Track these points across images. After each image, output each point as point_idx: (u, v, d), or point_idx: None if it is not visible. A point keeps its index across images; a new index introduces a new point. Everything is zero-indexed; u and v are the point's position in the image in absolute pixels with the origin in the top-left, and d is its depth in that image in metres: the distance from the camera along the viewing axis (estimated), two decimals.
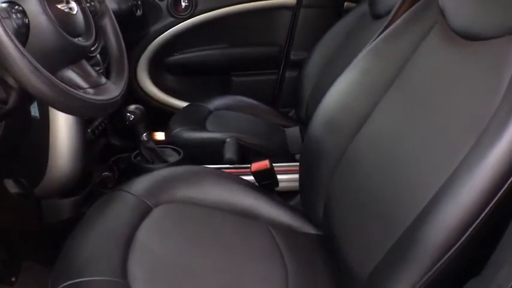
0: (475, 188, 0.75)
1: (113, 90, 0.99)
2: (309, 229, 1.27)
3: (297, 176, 1.35)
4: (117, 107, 0.98)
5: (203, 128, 1.75)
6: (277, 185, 1.34)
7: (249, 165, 1.34)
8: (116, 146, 1.72)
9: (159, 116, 1.85)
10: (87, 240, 1.08)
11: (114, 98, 0.97)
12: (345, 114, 1.20)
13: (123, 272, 1.00)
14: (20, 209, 1.46)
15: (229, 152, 1.49)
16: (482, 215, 0.74)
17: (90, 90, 0.95)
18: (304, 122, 1.79)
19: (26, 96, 0.97)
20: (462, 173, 0.78)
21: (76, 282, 0.96)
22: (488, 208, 0.74)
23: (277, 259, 1.13)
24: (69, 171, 1.40)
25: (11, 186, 1.38)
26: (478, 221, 0.74)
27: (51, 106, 0.90)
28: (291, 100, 2.07)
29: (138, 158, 1.53)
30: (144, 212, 1.17)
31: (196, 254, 1.09)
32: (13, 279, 1.47)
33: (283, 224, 1.26)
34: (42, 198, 1.43)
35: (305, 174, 1.30)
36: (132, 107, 1.49)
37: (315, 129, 1.28)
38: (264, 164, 1.29)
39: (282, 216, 1.27)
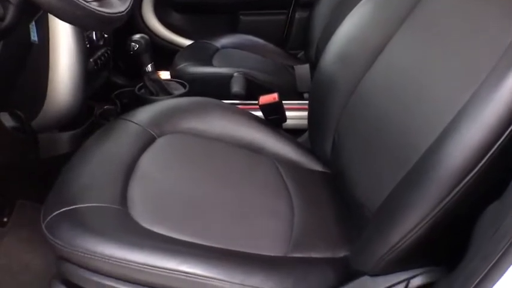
0: (497, 107, 0.71)
1: (119, 5, 0.94)
2: (316, 166, 1.23)
3: (305, 113, 1.31)
4: (122, 23, 0.93)
5: (209, 64, 1.69)
6: (285, 121, 1.30)
7: (256, 102, 1.29)
8: (118, 84, 1.66)
9: (163, 54, 1.78)
10: (85, 167, 1.05)
11: (120, 12, 0.92)
12: (358, 48, 1.16)
13: (123, 199, 0.96)
14: (16, 144, 1.41)
15: (236, 86, 1.44)
16: (505, 134, 0.70)
17: (95, 3, 0.89)
18: (313, 64, 1.73)
19: (26, 11, 0.91)
20: (482, 95, 0.74)
21: (71, 209, 0.92)
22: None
23: (283, 194, 1.09)
24: (69, 102, 1.35)
25: (7, 120, 1.33)
26: (500, 141, 0.70)
27: (54, 15, 0.85)
28: (300, 41, 2.00)
29: (142, 90, 1.48)
30: (147, 141, 1.13)
31: (200, 185, 1.05)
32: (5, 219, 1.45)
33: (289, 160, 1.22)
34: (39, 131, 1.38)
35: (314, 109, 1.26)
36: (136, 36, 1.43)
37: (326, 62, 1.23)
38: (272, 97, 1.24)
39: (288, 151, 1.24)
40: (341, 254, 0.96)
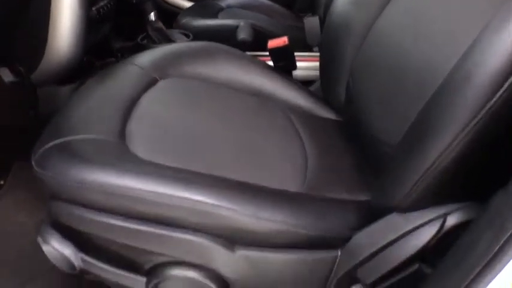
0: None
1: None
2: (328, 114, 1.16)
3: (314, 64, 1.27)
4: None
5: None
6: (295, 68, 1.24)
7: (264, 53, 1.23)
8: (120, 40, 1.59)
9: (165, 16, 1.71)
10: (84, 102, 0.98)
11: None
12: None
13: (121, 133, 0.89)
14: (15, 99, 1.35)
15: (243, 33, 1.38)
16: None
17: None
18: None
19: None
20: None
21: (63, 141, 0.85)
22: None
23: (295, 139, 1.03)
24: (70, 53, 1.29)
25: (6, 75, 1.27)
26: None
27: None
28: (308, 3, 1.93)
29: (145, 41, 1.42)
30: (149, 83, 1.07)
31: (206, 124, 0.98)
32: (1, 182, 1.39)
33: (300, 107, 1.16)
34: (39, 86, 1.33)
35: (327, 55, 1.20)
36: None
37: (338, 6, 1.17)
38: (282, 40, 1.18)
39: (299, 99, 1.17)
40: (360, 198, 0.89)
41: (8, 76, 1.27)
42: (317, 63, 1.25)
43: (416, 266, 0.79)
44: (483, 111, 0.66)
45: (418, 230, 0.75)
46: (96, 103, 0.97)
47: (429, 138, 0.72)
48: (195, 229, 0.77)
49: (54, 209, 0.83)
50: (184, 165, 0.82)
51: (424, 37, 0.90)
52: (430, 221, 0.75)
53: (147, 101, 1.00)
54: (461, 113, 0.69)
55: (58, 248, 0.84)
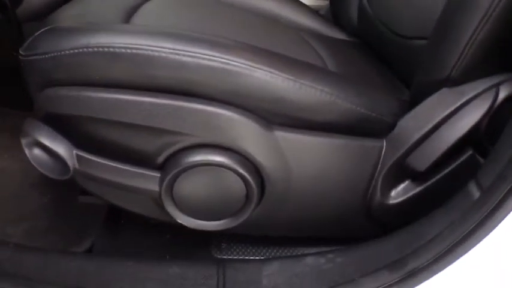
0: None
1: None
2: (339, 35, 1.06)
3: None
4: None
5: None
6: None
7: None
8: None
9: None
10: (80, 4, 0.85)
11: None
12: None
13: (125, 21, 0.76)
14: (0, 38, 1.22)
15: None
16: None
17: None
18: None
19: None
20: None
21: (56, 26, 0.71)
22: None
23: (312, 53, 0.90)
24: None
25: None
26: None
27: None
28: None
29: None
30: None
31: (216, 27, 0.86)
32: None
33: (310, 28, 1.05)
34: (25, 21, 1.17)
35: None
36: None
37: None
38: None
39: (310, 21, 1.06)
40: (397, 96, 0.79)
41: None
42: None
43: (469, 153, 0.71)
44: None
45: (469, 105, 0.68)
46: (94, 6, 0.84)
47: (465, 9, 0.66)
48: (225, 100, 0.63)
49: (45, 98, 0.68)
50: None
51: None
52: (482, 92, 0.68)
53: (148, 8, 0.87)
54: None
55: (48, 144, 0.68)
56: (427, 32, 0.75)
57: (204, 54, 0.61)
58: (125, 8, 0.83)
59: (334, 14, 1.12)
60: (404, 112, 0.73)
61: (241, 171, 0.64)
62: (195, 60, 0.61)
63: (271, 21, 1.02)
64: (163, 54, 0.61)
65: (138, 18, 0.79)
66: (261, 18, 1.01)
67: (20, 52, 0.70)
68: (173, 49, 0.61)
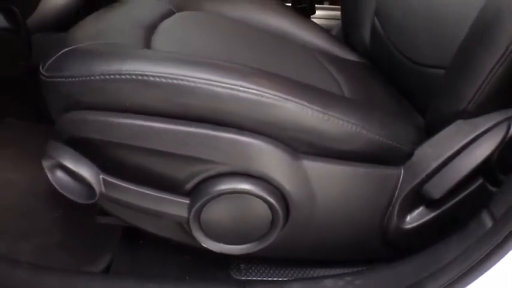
0: None
1: None
2: (351, 56, 1.09)
3: (331, 13, 1.23)
4: None
5: None
6: (314, 12, 1.19)
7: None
8: None
9: None
10: (100, 20, 0.85)
11: None
12: None
13: (146, 43, 0.77)
14: (7, 48, 1.22)
15: None
16: None
17: None
18: None
19: None
20: None
21: (78, 46, 0.71)
22: None
23: (326, 74, 0.93)
24: None
25: None
26: None
27: None
28: None
29: None
30: (166, 13, 0.95)
31: (233, 48, 0.88)
32: None
33: (322, 48, 1.07)
34: (34, 32, 1.17)
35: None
36: None
37: None
38: None
39: (322, 41, 1.09)
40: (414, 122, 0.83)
41: (1, 21, 1.11)
42: (332, 13, 1.23)
43: (480, 181, 0.75)
44: None
45: (483, 137, 0.72)
46: (112, 22, 0.84)
47: (485, 45, 0.69)
48: (254, 130, 0.64)
49: (70, 121, 0.68)
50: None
51: None
52: (495, 125, 0.72)
53: (166, 27, 0.88)
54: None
55: (73, 168, 0.68)
56: (443, 62, 0.78)
57: (239, 86, 0.63)
58: (144, 25, 0.83)
59: (345, 34, 1.13)
60: (421, 140, 0.76)
61: (268, 198, 0.66)
62: (230, 91, 0.62)
63: (286, 41, 1.04)
64: (199, 85, 0.62)
65: (159, 39, 0.80)
66: (276, 38, 1.03)
67: (42, 72, 0.70)
68: (208, 80, 0.62)
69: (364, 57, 1.08)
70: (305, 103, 0.65)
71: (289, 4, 1.19)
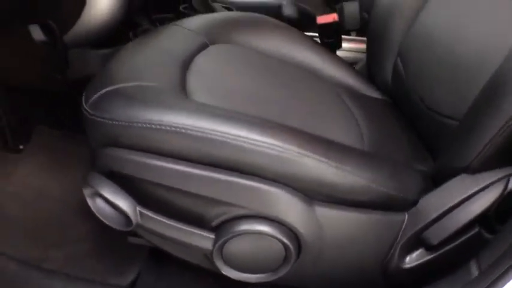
0: None
1: None
2: (374, 93, 1.16)
3: (356, 46, 1.28)
4: None
5: None
6: (340, 46, 1.25)
7: (313, 34, 1.20)
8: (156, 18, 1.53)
9: None
10: (136, 56, 0.93)
11: None
12: None
13: (181, 84, 0.86)
14: (43, 60, 1.28)
15: (288, 10, 1.36)
16: None
17: None
18: None
19: None
20: None
21: (121, 86, 0.80)
22: None
23: (346, 111, 1.02)
24: (109, 17, 1.23)
25: (37, 34, 1.20)
26: None
27: None
28: None
29: (187, 10, 1.37)
30: (200, 46, 1.03)
31: (262, 87, 0.96)
32: (21, 146, 1.32)
33: (347, 84, 1.15)
34: (71, 47, 1.25)
35: (375, 35, 1.19)
36: None
37: None
38: (332, 16, 1.17)
39: (346, 77, 1.16)
40: (422, 167, 0.89)
41: (38, 35, 1.20)
42: (358, 46, 1.27)
43: (476, 230, 0.81)
44: None
45: (484, 191, 0.78)
46: (149, 57, 0.93)
47: (493, 108, 0.74)
48: (274, 179, 0.73)
49: (110, 157, 0.77)
50: (255, 114, 0.79)
51: (483, 20, 0.91)
52: (495, 181, 0.78)
53: (201, 62, 0.97)
54: None
55: (113, 200, 0.77)
56: (458, 114, 0.85)
57: (262, 142, 0.71)
58: (179, 61, 0.93)
59: (369, 70, 1.20)
60: (426, 189, 0.82)
61: (283, 239, 0.75)
62: (254, 147, 0.71)
63: (310, 75, 1.11)
64: (227, 140, 0.71)
65: (194, 79, 0.89)
66: (302, 72, 1.10)
67: (86, 108, 0.79)
68: (236, 135, 0.71)
69: (386, 95, 1.14)
70: (322, 159, 0.73)
71: (317, 38, 1.25)
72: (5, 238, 1.06)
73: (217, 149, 0.72)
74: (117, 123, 0.74)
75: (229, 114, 0.76)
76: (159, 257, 0.98)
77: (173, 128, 0.72)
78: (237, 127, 0.72)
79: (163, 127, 0.72)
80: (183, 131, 0.71)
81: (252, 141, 0.71)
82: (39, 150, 1.32)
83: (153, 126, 0.72)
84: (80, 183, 0.81)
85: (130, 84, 0.81)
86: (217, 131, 0.71)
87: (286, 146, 0.72)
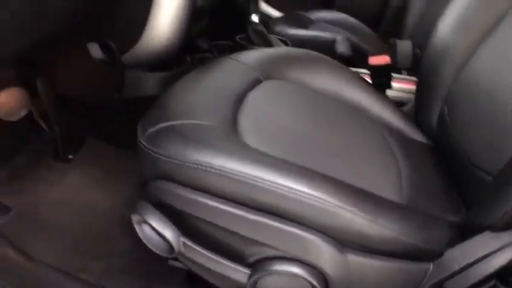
0: None
1: None
2: (419, 137, 1.18)
3: (406, 86, 1.29)
4: None
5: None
6: (390, 87, 1.27)
7: (363, 71, 1.22)
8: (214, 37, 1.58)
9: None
10: (190, 91, 1.00)
11: None
12: (475, 13, 1.10)
13: (233, 123, 0.91)
14: (100, 78, 1.34)
15: (342, 47, 1.39)
16: None
17: None
18: None
19: None
20: None
21: (177, 123, 0.86)
22: None
23: (389, 155, 1.04)
24: (168, 41, 1.26)
25: (96, 52, 1.25)
26: None
27: None
28: (392, 27, 1.94)
29: (244, 41, 1.43)
30: (254, 82, 1.09)
31: (311, 127, 1.01)
32: (70, 156, 1.39)
33: (394, 127, 1.17)
34: (129, 68, 1.30)
35: (425, 79, 1.21)
36: None
37: (443, 31, 1.17)
38: (384, 58, 1.19)
39: (393, 119, 1.19)
40: (451, 218, 0.91)
41: (97, 53, 1.25)
42: (408, 86, 1.27)
43: (492, 282, 0.83)
44: None
45: (504, 249, 0.81)
46: (203, 93, 0.99)
47: None
48: (312, 227, 0.78)
49: (160, 190, 0.84)
50: (300, 162, 0.84)
51: None
52: None
53: (253, 98, 1.02)
54: None
55: (159, 229, 0.84)
56: (493, 170, 0.87)
57: (304, 193, 0.77)
58: (233, 97, 0.98)
59: (416, 113, 1.22)
60: (453, 241, 0.85)
61: (313, 282, 0.80)
62: (295, 196, 0.77)
63: (358, 114, 1.15)
64: (271, 188, 0.77)
65: (245, 115, 0.95)
66: (351, 111, 1.14)
67: (141, 141, 0.85)
68: (280, 185, 0.77)
69: (431, 139, 1.16)
70: (359, 212, 0.78)
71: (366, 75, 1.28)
72: (46, 246, 1.11)
73: (262, 195, 0.78)
74: (170, 160, 0.81)
75: (277, 163, 0.81)
76: (195, 282, 1.02)
77: (222, 172, 0.78)
78: (283, 177, 0.78)
79: (212, 170, 0.78)
80: (231, 175, 0.78)
81: (296, 192, 0.77)
82: (88, 161, 1.38)
83: (203, 168, 0.78)
84: (126, 199, 0.87)
85: (186, 121, 0.88)
86: (264, 179, 0.77)
87: (327, 198, 0.77)
